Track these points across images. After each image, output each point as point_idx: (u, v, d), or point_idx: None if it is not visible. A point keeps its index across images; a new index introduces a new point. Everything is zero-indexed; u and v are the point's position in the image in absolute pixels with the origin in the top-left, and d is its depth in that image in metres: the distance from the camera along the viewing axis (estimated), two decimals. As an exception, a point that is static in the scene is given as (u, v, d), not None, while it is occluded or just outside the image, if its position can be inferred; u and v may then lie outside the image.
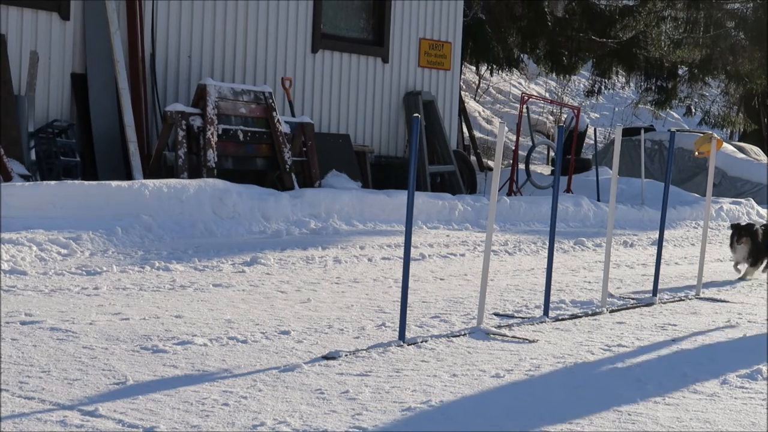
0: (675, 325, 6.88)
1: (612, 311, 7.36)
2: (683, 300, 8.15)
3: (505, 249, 10.96)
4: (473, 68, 27.09)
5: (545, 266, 7.28)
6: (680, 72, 25.40)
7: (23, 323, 5.87)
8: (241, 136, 12.96)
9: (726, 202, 17.10)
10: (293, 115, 14.32)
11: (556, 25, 22.25)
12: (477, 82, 29.76)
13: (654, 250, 9.92)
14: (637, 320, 7.07)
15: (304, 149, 13.73)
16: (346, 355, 5.43)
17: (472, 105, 27.90)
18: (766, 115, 28.14)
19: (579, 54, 23.08)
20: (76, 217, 9.78)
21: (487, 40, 21.01)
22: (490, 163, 21.79)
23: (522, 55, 23.83)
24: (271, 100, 13.34)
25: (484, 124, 27.54)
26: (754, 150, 22.85)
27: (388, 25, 16.09)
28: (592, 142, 23.00)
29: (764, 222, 9.64)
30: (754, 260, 9.40)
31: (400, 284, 5.93)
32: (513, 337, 6.18)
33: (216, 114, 12.60)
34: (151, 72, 13.29)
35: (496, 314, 7.01)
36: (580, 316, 7.07)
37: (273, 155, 13.26)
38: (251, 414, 4.23)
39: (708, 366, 5.56)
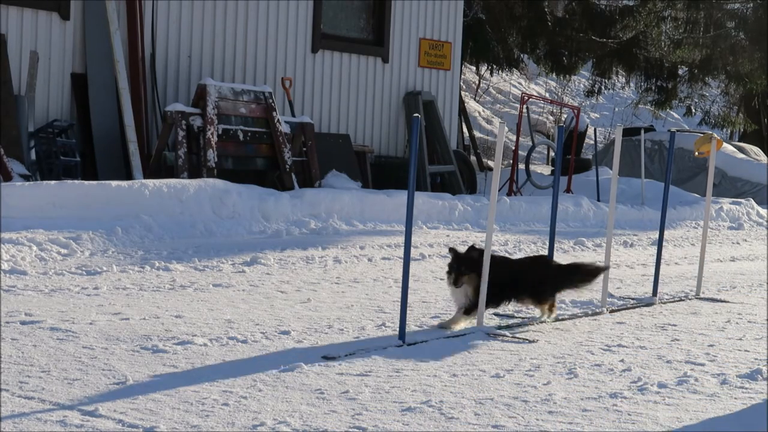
0: (675, 325, 6.88)
1: (612, 311, 7.36)
2: (683, 300, 8.15)
3: (505, 249, 10.95)
4: (473, 68, 27.08)
5: (545, 266, 7.27)
6: (680, 72, 25.41)
7: (23, 323, 5.87)
8: (241, 136, 12.96)
9: (726, 203, 17.10)
10: (293, 115, 14.32)
11: (556, 25, 22.24)
12: (477, 82, 29.75)
13: (654, 250, 9.92)
14: (637, 320, 7.07)
15: (304, 149, 13.73)
16: (346, 355, 5.43)
17: (472, 105, 27.90)
18: (766, 115, 28.15)
19: (579, 54, 23.08)
20: (76, 217, 9.78)
21: (487, 40, 21.00)
22: (490, 163, 21.79)
23: (522, 55, 23.82)
24: (271, 100, 13.34)
25: (484, 124, 27.53)
26: (754, 150, 22.85)
27: (388, 25, 16.09)
28: (592, 142, 23.00)
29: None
30: (471, 304, 6.36)
31: (400, 284, 5.94)
32: (513, 337, 6.18)
33: (216, 114, 12.59)
34: (151, 72, 13.29)
35: (496, 314, 7.01)
36: (580, 316, 7.07)
37: (273, 155, 13.26)
38: (251, 414, 4.23)
39: (708, 366, 5.57)
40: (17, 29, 12.25)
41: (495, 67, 23.21)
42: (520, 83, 31.87)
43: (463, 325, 6.34)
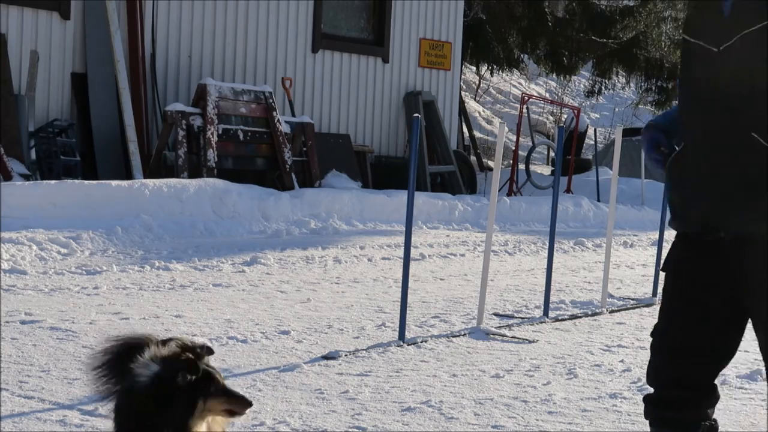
0: (675, 326, 6.87)
1: (612, 311, 7.36)
2: (683, 300, 8.13)
3: (505, 249, 10.95)
4: (473, 68, 27.06)
5: (545, 266, 7.28)
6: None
7: (23, 322, 5.87)
8: (241, 136, 12.95)
9: (726, 203, 17.06)
10: (293, 115, 14.32)
11: (557, 25, 22.23)
12: (477, 82, 29.75)
13: (654, 250, 9.92)
14: (637, 320, 7.07)
15: (304, 149, 13.73)
16: (346, 355, 5.43)
17: (472, 105, 27.90)
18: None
19: (579, 54, 23.06)
20: (76, 216, 9.77)
21: (488, 40, 20.99)
22: (490, 163, 21.78)
23: (522, 55, 23.81)
24: (271, 100, 13.34)
25: (484, 124, 27.52)
26: (754, 150, 22.79)
27: (389, 25, 16.08)
28: (592, 142, 23.00)
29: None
30: None
31: (400, 284, 5.94)
32: (513, 337, 6.18)
33: (216, 114, 12.59)
34: (151, 72, 13.28)
35: (496, 314, 7.01)
36: (580, 317, 7.07)
37: (273, 155, 13.25)
38: (251, 414, 4.23)
39: (708, 366, 5.56)
40: (17, 29, 12.24)
41: (495, 67, 23.20)
42: (520, 83, 31.87)
43: None
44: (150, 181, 10.86)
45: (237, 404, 3.05)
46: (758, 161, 3.07)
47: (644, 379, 5.15)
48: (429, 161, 16.04)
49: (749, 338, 6.65)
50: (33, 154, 11.85)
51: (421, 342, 5.87)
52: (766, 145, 3.07)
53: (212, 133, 12.44)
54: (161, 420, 2.90)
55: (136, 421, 2.93)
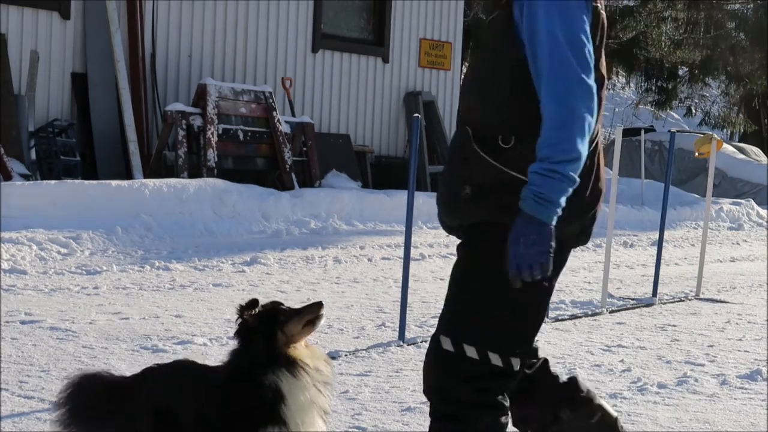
0: (675, 326, 6.88)
1: (612, 311, 7.36)
2: (683, 300, 8.15)
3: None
4: (473, 68, 27.08)
5: (545, 266, 7.27)
6: (680, 72, 25.41)
7: (23, 322, 5.87)
8: (241, 136, 12.95)
9: (726, 203, 17.09)
10: (293, 115, 14.32)
11: (556, 26, 22.23)
12: (477, 82, 29.77)
13: (654, 250, 9.92)
14: (637, 321, 7.07)
15: (304, 149, 13.73)
16: (346, 355, 5.43)
17: (472, 105, 27.89)
18: (766, 116, 28.15)
19: (579, 54, 23.05)
20: (76, 216, 9.78)
21: (488, 40, 20.99)
22: (490, 163, 21.76)
23: (522, 56, 23.82)
24: (271, 100, 13.34)
25: (484, 124, 27.52)
26: (754, 151, 22.85)
27: (389, 25, 16.08)
28: (592, 142, 23.00)
29: None
30: None
31: (400, 284, 5.94)
32: (513, 337, 6.17)
33: (216, 114, 12.59)
34: (151, 72, 13.29)
35: (496, 314, 7.00)
36: (580, 317, 7.07)
37: (273, 155, 13.25)
38: (251, 414, 4.23)
39: (708, 366, 5.56)
40: (18, 29, 12.25)
41: (495, 67, 23.20)
42: (520, 83, 31.85)
43: None
44: (150, 181, 10.87)
45: (310, 313, 3.24)
46: (463, 155, 3.03)
47: (644, 379, 5.15)
48: (429, 161, 16.05)
49: (749, 338, 6.67)
50: (33, 154, 11.85)
51: (421, 342, 5.86)
52: (470, 139, 3.00)
53: (212, 133, 12.45)
54: (257, 364, 3.05)
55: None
